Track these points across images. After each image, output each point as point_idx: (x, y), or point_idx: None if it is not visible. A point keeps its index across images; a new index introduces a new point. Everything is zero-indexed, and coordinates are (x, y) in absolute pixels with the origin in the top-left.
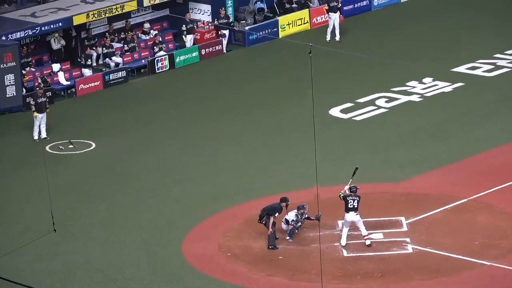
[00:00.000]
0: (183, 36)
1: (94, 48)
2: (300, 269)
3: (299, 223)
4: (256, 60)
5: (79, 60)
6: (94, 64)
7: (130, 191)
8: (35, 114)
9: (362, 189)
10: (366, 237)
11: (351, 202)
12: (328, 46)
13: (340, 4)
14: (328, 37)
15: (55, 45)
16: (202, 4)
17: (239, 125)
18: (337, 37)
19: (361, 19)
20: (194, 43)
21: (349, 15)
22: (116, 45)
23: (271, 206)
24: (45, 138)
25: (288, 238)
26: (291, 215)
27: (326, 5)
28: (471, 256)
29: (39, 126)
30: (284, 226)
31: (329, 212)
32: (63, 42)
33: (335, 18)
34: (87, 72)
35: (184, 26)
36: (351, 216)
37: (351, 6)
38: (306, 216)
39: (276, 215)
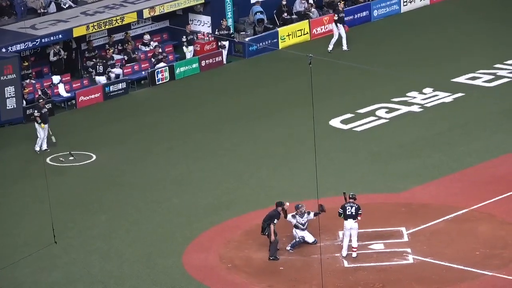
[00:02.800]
0: (184, 47)
1: (94, 60)
2: (301, 280)
3: (306, 222)
4: (256, 71)
5: (90, 70)
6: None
7: (131, 203)
8: (42, 125)
9: (363, 200)
10: (354, 249)
11: (348, 208)
12: (328, 57)
13: (344, 14)
14: (330, 47)
15: (53, 57)
16: (202, 16)
17: (240, 136)
18: (345, 47)
19: (361, 29)
20: (194, 55)
21: (349, 25)
22: (117, 56)
23: (269, 214)
24: (46, 149)
25: (289, 248)
26: (297, 219)
27: (336, 15)
28: (472, 267)
29: (42, 138)
30: (295, 232)
31: (330, 223)
32: (63, 53)
33: (340, 28)
34: (102, 79)
35: (184, 37)
36: (349, 224)
37: (351, 17)
38: (312, 213)
39: (275, 221)
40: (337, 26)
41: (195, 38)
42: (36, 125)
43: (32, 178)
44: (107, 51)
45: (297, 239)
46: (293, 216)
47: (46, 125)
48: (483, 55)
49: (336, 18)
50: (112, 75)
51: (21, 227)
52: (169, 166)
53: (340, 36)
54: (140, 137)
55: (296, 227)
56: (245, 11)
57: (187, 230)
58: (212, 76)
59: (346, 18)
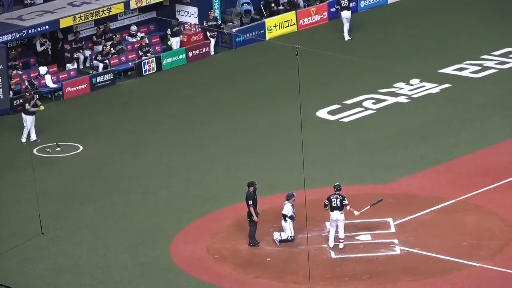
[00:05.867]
0: (169, 39)
1: (81, 50)
2: (288, 271)
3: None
4: (243, 62)
5: (67, 55)
6: (82, 66)
7: (118, 194)
8: (42, 107)
9: (350, 191)
10: (341, 240)
11: (334, 200)
12: (315, 48)
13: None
14: (347, 37)
15: (40, 47)
16: (189, 7)
17: (227, 128)
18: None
19: None
20: (180, 46)
21: (336, 17)
22: (99, 47)
23: (245, 198)
24: (36, 140)
25: (277, 241)
26: (287, 209)
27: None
28: (459, 257)
29: (29, 129)
30: (283, 222)
31: (317, 214)
32: (47, 44)
33: (346, 16)
34: (70, 66)
35: (169, 30)
36: (336, 215)
37: (338, 7)
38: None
39: (250, 202)
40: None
41: (182, 29)
42: (23, 115)
43: (19, 169)
44: (105, 48)
45: (289, 238)
46: (292, 206)
47: (33, 117)
48: (470, 46)
49: (345, 3)
50: (100, 65)
51: (8, 218)
52: (157, 157)
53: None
54: (127, 128)
55: (291, 218)
56: (232, 2)
57: (174, 221)
58: (199, 67)
59: (332, 9)
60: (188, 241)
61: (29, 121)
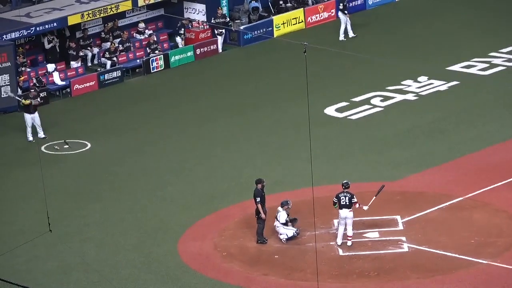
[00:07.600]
0: (179, 38)
1: (89, 48)
2: (296, 268)
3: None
4: (251, 59)
5: (72, 53)
6: (89, 64)
7: (126, 191)
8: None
9: (358, 188)
10: (349, 238)
11: (343, 199)
12: (323, 45)
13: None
14: (342, 37)
15: (48, 44)
16: (197, 4)
17: (235, 125)
18: (351, 34)
19: (356, 18)
20: (186, 43)
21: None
22: (107, 45)
23: (253, 195)
24: (44, 137)
25: (284, 240)
26: (283, 217)
27: (341, 4)
28: (467, 255)
29: (31, 126)
30: (281, 229)
31: (325, 211)
32: (56, 41)
33: (347, 18)
34: (74, 64)
35: (182, 29)
36: (344, 213)
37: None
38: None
39: (258, 200)
40: (344, 13)
41: (190, 26)
42: (25, 114)
43: (27, 166)
44: (111, 45)
45: (295, 234)
46: (287, 214)
47: (36, 114)
48: (478, 44)
49: (341, 7)
50: (108, 62)
51: (16, 215)
52: (164, 155)
53: (346, 24)
54: (135, 125)
55: (294, 220)
56: None
57: (182, 219)
58: (207, 64)
59: (340, 6)
60: (196, 239)
61: (28, 119)
